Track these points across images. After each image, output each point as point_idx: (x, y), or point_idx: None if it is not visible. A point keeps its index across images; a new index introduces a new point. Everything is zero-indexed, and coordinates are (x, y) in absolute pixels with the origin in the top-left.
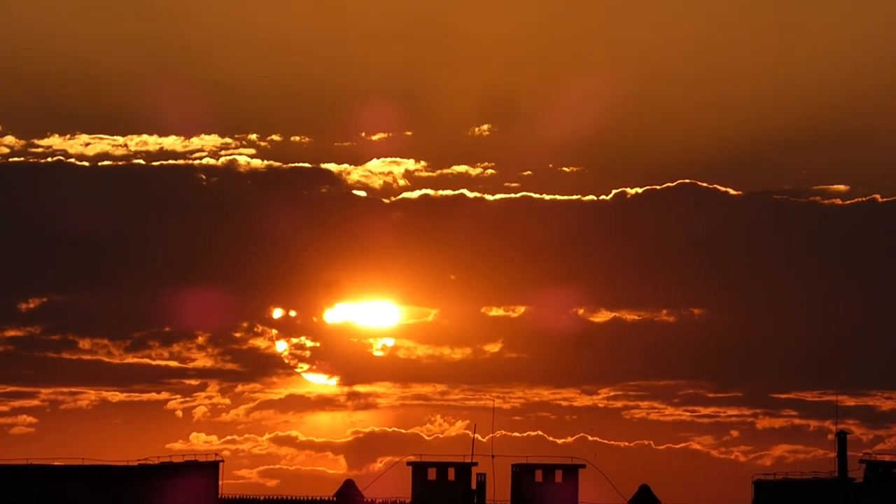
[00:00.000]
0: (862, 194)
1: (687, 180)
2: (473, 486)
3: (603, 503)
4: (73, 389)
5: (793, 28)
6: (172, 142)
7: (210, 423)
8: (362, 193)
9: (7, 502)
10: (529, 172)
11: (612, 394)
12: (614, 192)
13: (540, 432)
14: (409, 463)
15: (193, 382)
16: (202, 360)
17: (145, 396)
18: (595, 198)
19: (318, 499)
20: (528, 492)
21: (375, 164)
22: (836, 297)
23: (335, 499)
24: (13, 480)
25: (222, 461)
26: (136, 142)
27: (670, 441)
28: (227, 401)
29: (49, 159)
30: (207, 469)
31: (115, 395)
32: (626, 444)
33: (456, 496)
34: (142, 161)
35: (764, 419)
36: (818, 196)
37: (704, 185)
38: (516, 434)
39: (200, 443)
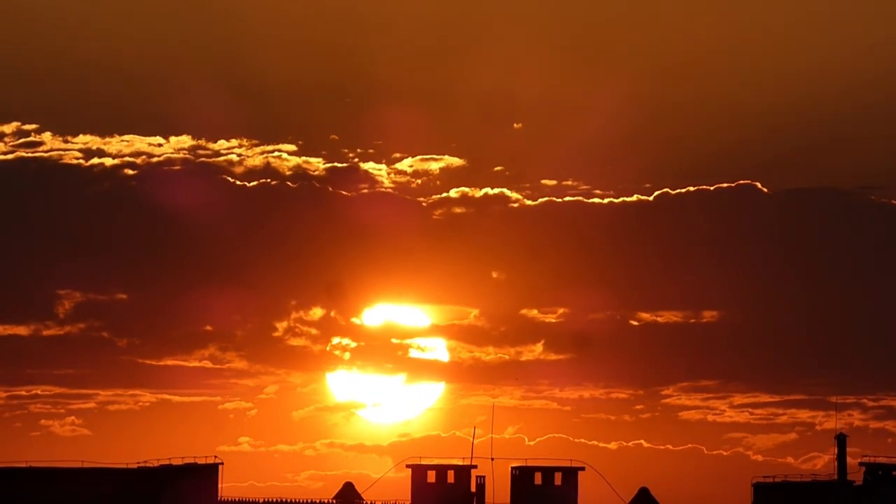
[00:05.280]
0: None
1: (746, 181)
2: (473, 488)
3: None
4: (117, 392)
5: (838, 26)
6: (209, 142)
7: (259, 425)
8: (401, 192)
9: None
10: (566, 173)
11: (669, 394)
12: (666, 189)
13: (595, 442)
14: (408, 465)
15: (238, 383)
16: (243, 362)
17: (178, 399)
18: (648, 198)
19: (318, 501)
20: (528, 494)
21: (413, 163)
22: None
23: (334, 501)
24: (12, 482)
25: (221, 464)
26: (174, 142)
27: (724, 444)
28: (275, 403)
29: (95, 160)
30: (207, 471)
31: (151, 397)
32: (677, 447)
33: (455, 498)
34: (179, 161)
35: (824, 421)
36: (872, 194)
37: (758, 185)
38: (571, 438)
39: (246, 446)
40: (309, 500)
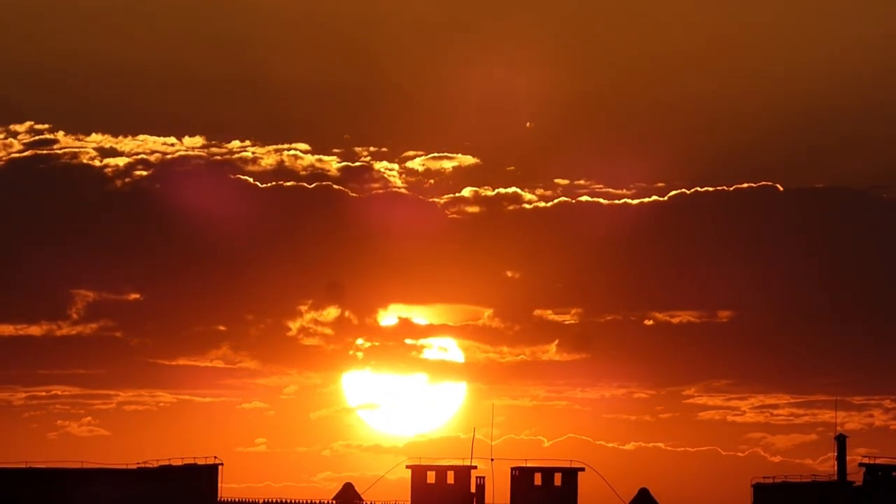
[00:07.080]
0: None
1: (769, 182)
2: (473, 489)
3: None
4: (139, 392)
5: (850, 26)
6: (222, 142)
7: (276, 426)
8: (414, 192)
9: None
10: (579, 173)
11: (691, 395)
12: (682, 189)
13: (615, 444)
14: (408, 466)
15: (257, 384)
16: (255, 362)
17: (198, 400)
18: (663, 198)
19: (318, 502)
20: (528, 495)
21: (424, 161)
22: None
23: (334, 502)
24: (10, 482)
25: (221, 464)
26: (187, 142)
27: (741, 445)
28: (293, 404)
29: (109, 159)
30: (206, 472)
31: (170, 398)
32: (694, 448)
33: (455, 499)
34: (193, 159)
35: (845, 422)
36: (884, 193)
37: (780, 187)
38: (591, 440)
39: (263, 447)
40: (308, 501)
